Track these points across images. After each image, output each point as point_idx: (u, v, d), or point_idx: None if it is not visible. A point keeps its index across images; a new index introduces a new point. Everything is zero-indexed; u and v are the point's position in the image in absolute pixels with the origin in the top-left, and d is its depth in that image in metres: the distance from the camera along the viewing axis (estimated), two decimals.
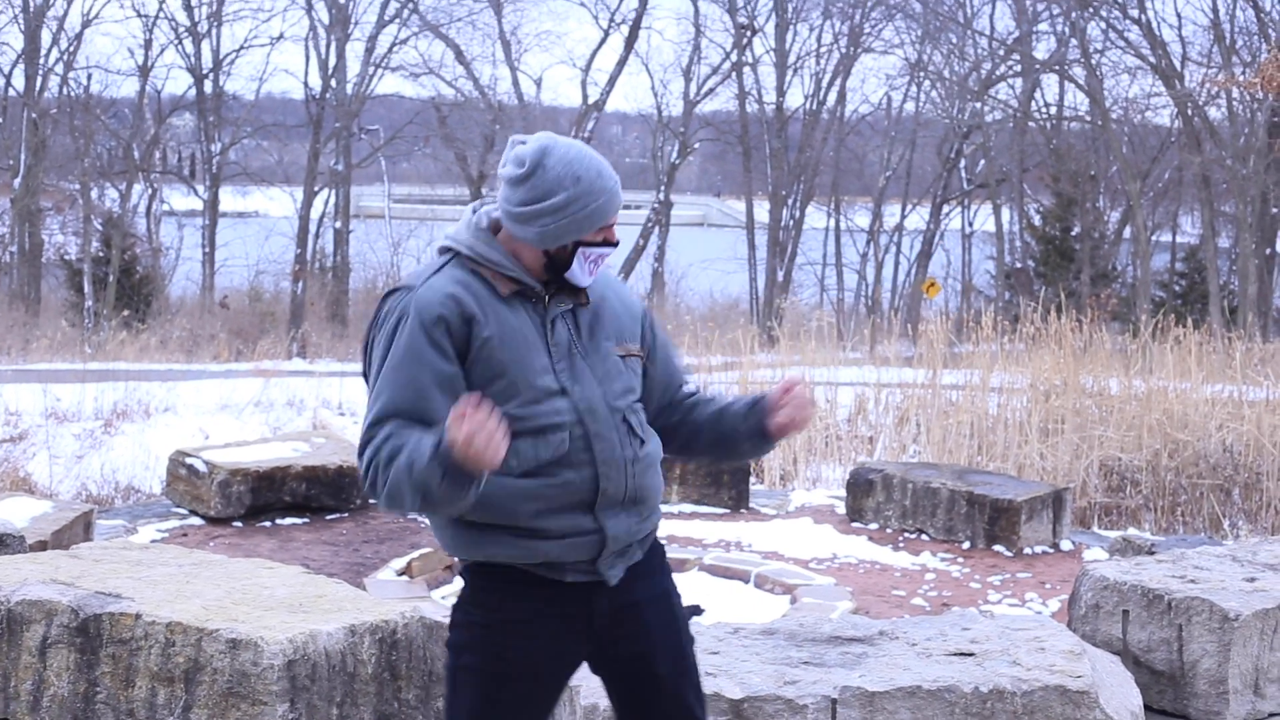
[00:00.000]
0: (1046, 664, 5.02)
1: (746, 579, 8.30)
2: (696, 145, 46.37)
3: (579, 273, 3.53)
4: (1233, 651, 5.66)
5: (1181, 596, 5.81)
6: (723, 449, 3.84)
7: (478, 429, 3.13)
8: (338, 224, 41.52)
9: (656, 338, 3.79)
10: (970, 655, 5.09)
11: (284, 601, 5.42)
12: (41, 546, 7.20)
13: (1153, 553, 8.24)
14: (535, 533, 3.45)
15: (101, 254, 36.01)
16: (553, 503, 3.44)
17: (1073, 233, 39.32)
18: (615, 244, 3.57)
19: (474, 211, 3.63)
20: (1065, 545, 9.75)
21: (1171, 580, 5.97)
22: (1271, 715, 5.94)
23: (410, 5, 41.59)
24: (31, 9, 38.31)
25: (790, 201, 43.44)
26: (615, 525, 3.51)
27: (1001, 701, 4.87)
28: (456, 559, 3.60)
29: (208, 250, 40.72)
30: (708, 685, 4.57)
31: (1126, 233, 41.25)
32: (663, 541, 3.82)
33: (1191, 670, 5.77)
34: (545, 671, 3.54)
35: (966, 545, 9.63)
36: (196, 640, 5.05)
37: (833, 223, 46.31)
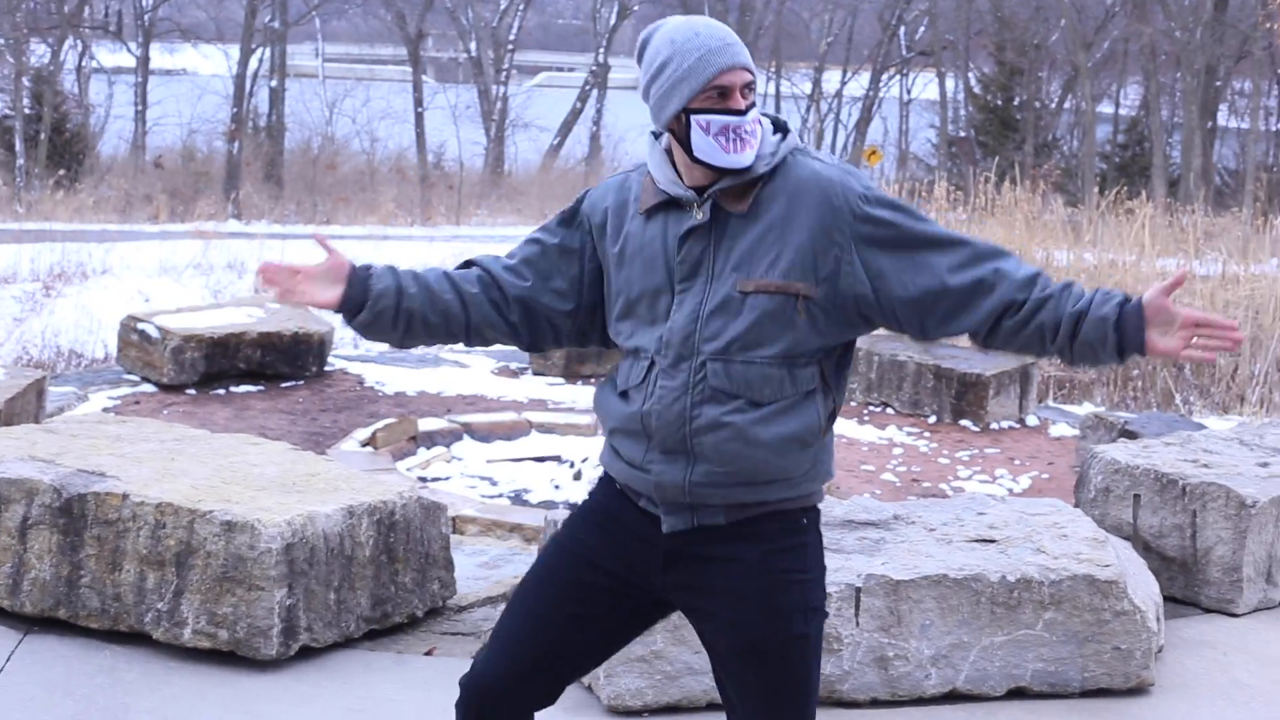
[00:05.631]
0: (1072, 552, 4.89)
1: None
2: (635, 7, 45.69)
3: (705, 148, 3.14)
4: (1248, 539, 5.54)
5: (1196, 481, 5.68)
6: (1049, 351, 3.20)
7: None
8: (273, 83, 40.70)
9: (885, 260, 3.17)
10: (992, 542, 4.95)
11: (276, 481, 5.21)
12: None
13: (1129, 432, 8.16)
14: (614, 450, 3.35)
15: (31, 111, 35.13)
16: (623, 427, 3.30)
17: (1015, 102, 39.17)
18: (739, 111, 3.13)
19: None
20: (1031, 420, 9.75)
21: (1184, 464, 5.83)
22: None
23: None
24: None
25: None
26: (663, 473, 3.23)
27: (1029, 591, 4.76)
28: None
29: (139, 108, 39.86)
30: None
31: (1068, 104, 41.18)
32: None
33: (1204, 557, 5.65)
34: (603, 569, 3.33)
35: (933, 419, 9.59)
36: (189, 522, 4.83)
37: (773, 88, 46.06)
